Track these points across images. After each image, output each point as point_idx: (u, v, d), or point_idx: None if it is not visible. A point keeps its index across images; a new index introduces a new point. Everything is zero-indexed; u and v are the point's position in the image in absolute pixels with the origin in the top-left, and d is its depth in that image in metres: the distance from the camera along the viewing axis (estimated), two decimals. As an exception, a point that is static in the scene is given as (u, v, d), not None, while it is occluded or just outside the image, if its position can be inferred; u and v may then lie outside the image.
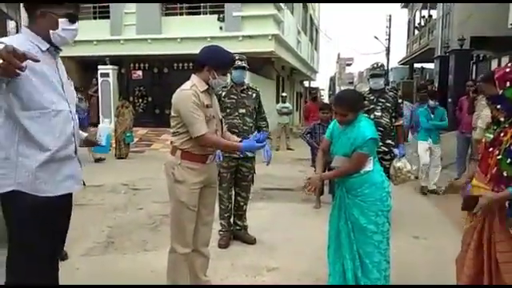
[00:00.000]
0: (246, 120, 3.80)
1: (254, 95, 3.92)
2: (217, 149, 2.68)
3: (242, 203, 3.99)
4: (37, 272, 1.96)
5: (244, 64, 3.84)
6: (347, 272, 2.69)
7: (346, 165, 2.68)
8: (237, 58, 3.71)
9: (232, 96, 3.80)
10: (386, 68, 5.40)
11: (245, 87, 3.89)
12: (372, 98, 4.41)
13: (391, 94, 4.52)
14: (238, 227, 4.03)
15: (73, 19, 1.97)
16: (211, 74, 2.56)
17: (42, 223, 1.93)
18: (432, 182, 6.15)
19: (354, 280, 2.68)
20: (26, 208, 1.88)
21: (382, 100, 4.41)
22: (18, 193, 1.86)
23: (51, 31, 1.93)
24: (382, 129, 4.22)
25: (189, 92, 2.51)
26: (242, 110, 3.80)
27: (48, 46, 1.95)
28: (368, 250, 2.65)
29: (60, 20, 1.92)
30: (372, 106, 4.36)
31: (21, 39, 1.88)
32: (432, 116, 6.08)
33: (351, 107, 2.67)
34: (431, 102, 6.12)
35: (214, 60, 2.57)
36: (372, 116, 4.22)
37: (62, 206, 2.05)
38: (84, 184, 2.15)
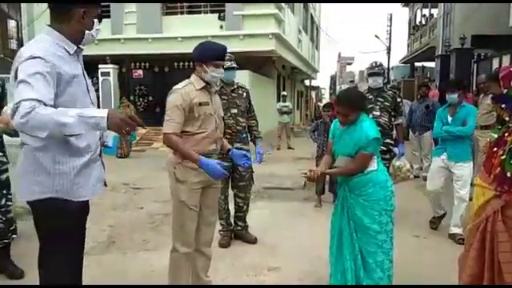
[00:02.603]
0: (238, 120, 3.77)
1: (245, 94, 3.88)
2: (176, 152, 2.56)
3: (241, 204, 3.94)
4: (73, 274, 1.98)
5: (234, 64, 3.78)
6: (347, 272, 2.67)
7: (351, 165, 2.66)
8: (227, 58, 3.61)
9: (223, 97, 3.71)
10: (384, 67, 4.95)
11: (235, 87, 3.84)
12: (370, 97, 4.34)
13: (390, 93, 4.49)
14: (238, 227, 4.01)
15: (100, 19, 2.02)
16: (203, 69, 2.58)
17: (78, 226, 1.96)
18: (452, 223, 4.07)
19: (355, 280, 2.66)
20: (64, 214, 1.87)
21: (381, 99, 4.36)
22: (55, 199, 1.83)
23: (87, 32, 1.94)
24: (380, 128, 4.15)
25: (177, 92, 2.54)
26: (234, 110, 3.76)
27: (75, 48, 1.91)
28: (371, 249, 2.64)
29: (95, 20, 1.95)
30: (371, 106, 4.28)
31: (48, 43, 1.82)
32: (450, 119, 4.12)
33: (353, 107, 2.65)
34: (450, 97, 4.10)
35: (201, 54, 2.59)
36: (371, 115, 4.14)
37: (88, 207, 2.11)
38: (106, 185, 2.15)
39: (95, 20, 1.96)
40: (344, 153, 2.70)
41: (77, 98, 1.85)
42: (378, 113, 4.29)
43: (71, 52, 1.88)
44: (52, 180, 1.82)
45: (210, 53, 2.61)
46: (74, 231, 1.96)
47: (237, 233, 4.02)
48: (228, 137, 3.67)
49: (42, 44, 1.80)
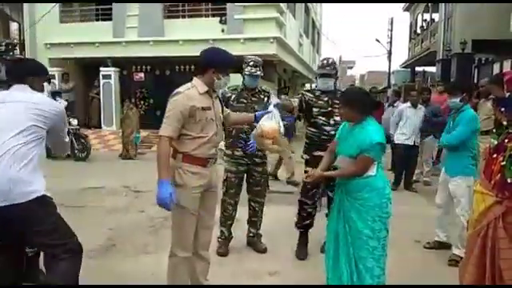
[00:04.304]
0: (254, 125, 3.56)
1: (266, 99, 3.77)
2: (157, 158, 2.52)
3: (257, 209, 3.86)
4: None
5: (259, 72, 3.63)
6: (342, 275, 2.69)
7: (351, 167, 2.66)
8: (251, 63, 3.60)
9: (242, 100, 3.68)
10: (337, 66, 3.92)
11: (256, 90, 3.75)
12: (326, 99, 3.67)
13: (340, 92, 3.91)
14: (251, 234, 3.93)
15: None
16: (216, 76, 2.58)
17: None
18: (453, 243, 3.71)
19: (350, 283, 2.67)
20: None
21: (337, 101, 3.59)
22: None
23: None
24: None
25: (180, 96, 2.52)
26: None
27: None
28: (362, 254, 2.64)
29: None
30: (329, 109, 3.65)
31: None
32: (451, 126, 3.78)
33: (345, 102, 2.70)
34: (451, 101, 3.74)
35: (218, 62, 2.59)
36: (332, 121, 3.62)
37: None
38: None
39: None
40: (346, 154, 2.71)
41: None
42: (339, 118, 3.60)
43: None
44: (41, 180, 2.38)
45: (227, 62, 2.63)
46: None
47: (249, 240, 3.94)
48: (242, 142, 3.60)
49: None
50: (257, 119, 2.97)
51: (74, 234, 2.46)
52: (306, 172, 3.61)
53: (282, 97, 12.38)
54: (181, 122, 2.51)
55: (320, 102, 3.66)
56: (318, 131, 3.63)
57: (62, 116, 2.58)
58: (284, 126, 3.16)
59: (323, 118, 3.61)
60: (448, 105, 7.43)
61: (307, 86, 27.94)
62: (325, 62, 3.76)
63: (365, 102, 2.73)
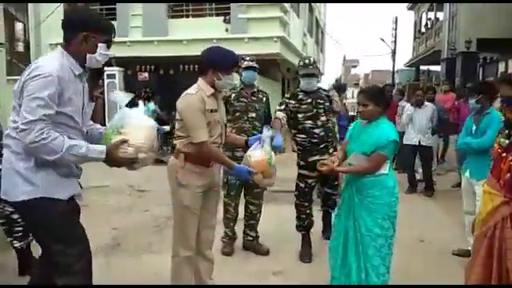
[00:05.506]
0: (255, 124, 3.64)
1: (264, 99, 3.79)
2: (211, 160, 2.60)
3: (254, 212, 3.80)
4: None
5: (255, 64, 3.65)
6: (351, 272, 2.68)
7: (364, 164, 2.66)
8: (247, 58, 3.64)
9: (242, 99, 3.66)
10: (318, 64, 4.03)
11: (255, 90, 3.75)
12: (309, 100, 3.61)
13: (323, 91, 3.80)
14: (249, 238, 3.85)
15: (110, 45, 2.07)
16: (216, 76, 2.55)
17: None
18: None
19: (358, 281, 2.66)
20: None
21: (321, 101, 3.65)
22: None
23: (89, 55, 1.99)
24: (330, 134, 3.69)
25: (193, 97, 2.50)
26: (252, 114, 3.65)
27: (82, 70, 2.00)
28: (370, 252, 2.64)
29: (100, 45, 2.00)
30: (315, 111, 3.60)
31: (65, 64, 1.92)
32: (474, 129, 3.60)
33: (372, 98, 2.69)
34: (470, 103, 3.62)
35: (217, 61, 2.56)
36: (319, 123, 3.59)
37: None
38: None
39: (101, 45, 2.01)
40: (360, 150, 2.70)
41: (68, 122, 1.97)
42: (324, 118, 3.62)
43: (76, 73, 1.97)
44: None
45: (226, 61, 2.59)
46: None
47: (248, 244, 3.85)
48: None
49: (54, 63, 1.89)
50: (248, 145, 2.80)
51: (79, 243, 2.23)
52: (301, 169, 3.70)
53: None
54: (205, 123, 2.50)
55: (304, 106, 3.60)
56: (308, 136, 3.58)
57: (37, 83, 1.79)
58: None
59: (310, 122, 3.57)
60: (453, 104, 7.39)
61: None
62: (307, 61, 3.63)
63: (386, 99, 2.79)
